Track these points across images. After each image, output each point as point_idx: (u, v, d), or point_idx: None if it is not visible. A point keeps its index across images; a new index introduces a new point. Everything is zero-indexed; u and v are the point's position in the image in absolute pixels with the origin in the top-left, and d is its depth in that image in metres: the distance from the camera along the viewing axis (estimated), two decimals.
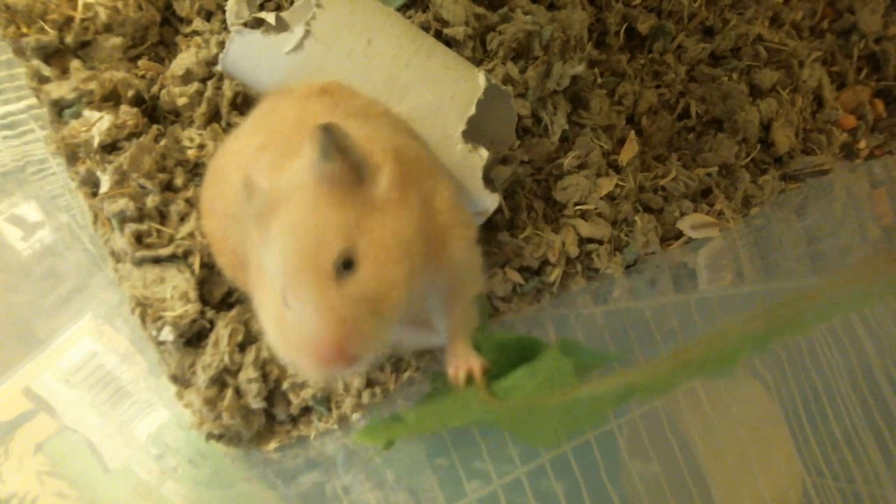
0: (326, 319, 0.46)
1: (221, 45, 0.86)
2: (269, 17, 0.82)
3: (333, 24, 0.73)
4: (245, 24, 0.81)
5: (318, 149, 0.49)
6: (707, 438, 0.84)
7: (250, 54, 0.75)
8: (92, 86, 0.82)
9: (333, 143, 0.49)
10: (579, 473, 0.76)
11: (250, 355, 0.74)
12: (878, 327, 1.00)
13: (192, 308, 0.74)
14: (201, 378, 0.73)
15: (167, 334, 0.73)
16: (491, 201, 0.76)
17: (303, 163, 0.51)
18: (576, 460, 0.76)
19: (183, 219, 0.79)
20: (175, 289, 0.75)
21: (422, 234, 0.52)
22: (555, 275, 0.87)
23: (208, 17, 0.91)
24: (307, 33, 0.72)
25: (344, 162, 0.49)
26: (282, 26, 0.80)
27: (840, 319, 1.01)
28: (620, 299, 0.89)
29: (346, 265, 0.48)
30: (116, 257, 0.79)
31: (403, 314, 0.50)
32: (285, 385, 0.75)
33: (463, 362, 0.58)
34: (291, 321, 0.48)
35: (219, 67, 0.81)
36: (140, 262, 0.76)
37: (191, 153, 0.82)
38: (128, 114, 0.81)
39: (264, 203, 0.50)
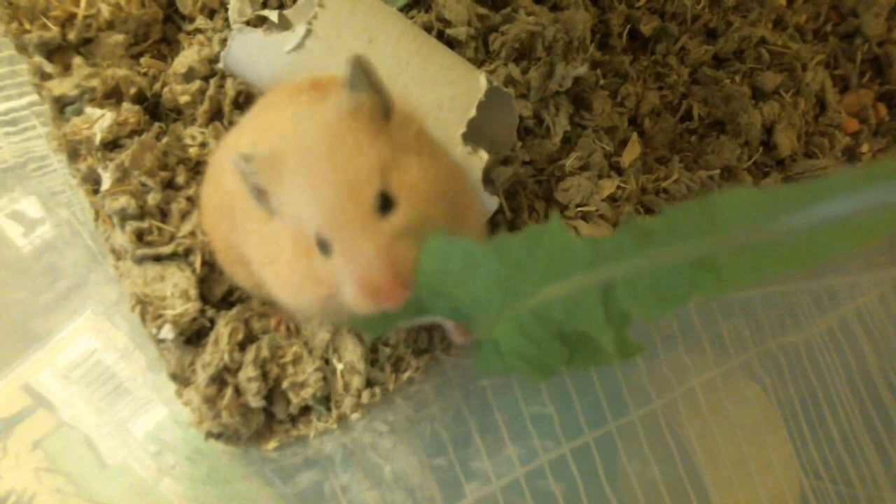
0: (382, 252, 0.45)
1: (224, 42, 0.86)
2: (272, 16, 0.82)
3: (335, 24, 0.73)
4: (247, 23, 0.81)
5: (349, 77, 0.48)
6: (705, 441, 0.85)
7: (252, 52, 0.75)
8: (94, 83, 0.82)
9: (364, 73, 0.48)
10: (578, 475, 0.76)
11: (250, 354, 0.74)
12: (876, 330, 1.00)
13: (193, 306, 0.74)
14: (201, 376, 0.73)
15: (167, 332, 0.73)
16: (491, 203, 0.76)
17: (331, 99, 0.50)
18: (574, 462, 0.76)
19: (184, 217, 0.79)
20: (175, 287, 0.75)
21: (451, 187, 0.51)
22: None
23: (211, 14, 0.90)
24: (309, 32, 0.72)
25: (373, 95, 0.49)
26: (284, 24, 0.80)
27: (838, 321, 1.01)
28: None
29: (386, 202, 0.47)
30: (117, 254, 0.79)
31: None
32: (285, 384, 0.75)
33: None
34: (337, 265, 0.47)
35: (221, 65, 0.81)
36: (141, 260, 0.76)
37: (192, 151, 0.82)
38: (130, 111, 0.81)
39: (266, 160, 0.49)
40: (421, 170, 0.49)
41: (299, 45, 0.72)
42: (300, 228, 0.49)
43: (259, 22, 0.80)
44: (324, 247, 0.48)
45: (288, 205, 0.49)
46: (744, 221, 0.36)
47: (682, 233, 0.38)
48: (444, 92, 0.74)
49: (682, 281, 0.39)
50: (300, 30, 0.72)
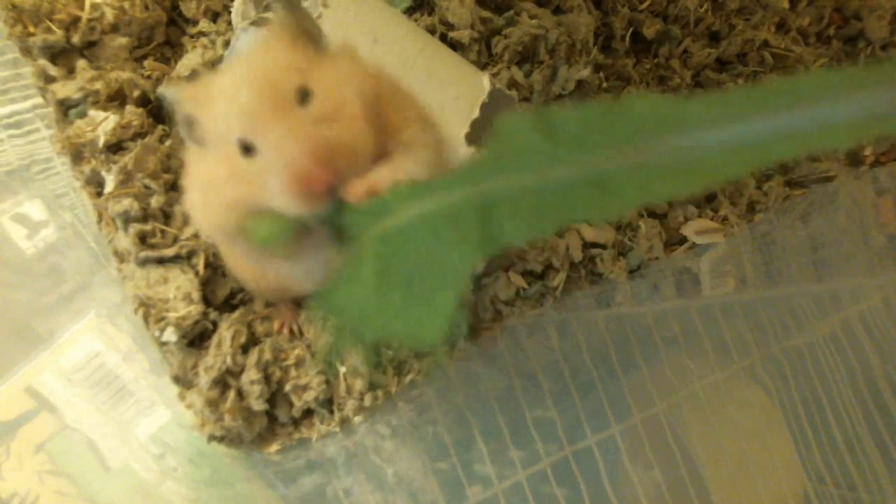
0: (302, 136, 0.46)
1: (227, 45, 0.86)
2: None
3: (339, 24, 0.73)
4: (251, 24, 0.81)
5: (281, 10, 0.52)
6: (708, 444, 0.84)
7: None
8: (98, 86, 0.82)
9: (291, 6, 0.52)
10: (580, 478, 0.76)
11: (253, 357, 0.74)
12: (879, 333, 1.00)
13: (195, 309, 0.74)
14: (203, 379, 0.73)
15: (170, 335, 0.73)
16: None
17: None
18: (577, 465, 0.76)
19: (187, 219, 0.79)
20: (178, 289, 0.75)
21: (373, 101, 0.52)
22: (558, 279, 0.87)
23: (214, 17, 0.91)
24: None
25: (298, 21, 0.51)
26: None
27: (841, 325, 1.01)
28: (623, 304, 0.89)
29: (304, 96, 0.48)
30: (120, 257, 0.79)
31: (367, 154, 0.49)
32: (288, 387, 0.75)
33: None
34: (265, 159, 0.47)
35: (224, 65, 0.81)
36: (144, 263, 0.76)
37: None
38: (133, 114, 0.81)
39: (196, 86, 0.51)
40: (340, 74, 0.51)
41: None
42: (224, 142, 0.49)
43: (262, 24, 0.80)
44: (247, 149, 0.48)
45: (213, 122, 0.50)
46: (648, 132, 0.34)
47: (579, 141, 0.36)
48: (447, 92, 0.74)
49: (567, 199, 0.36)
50: None
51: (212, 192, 0.52)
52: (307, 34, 0.52)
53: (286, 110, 0.47)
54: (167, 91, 0.52)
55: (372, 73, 0.56)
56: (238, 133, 0.48)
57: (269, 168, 0.47)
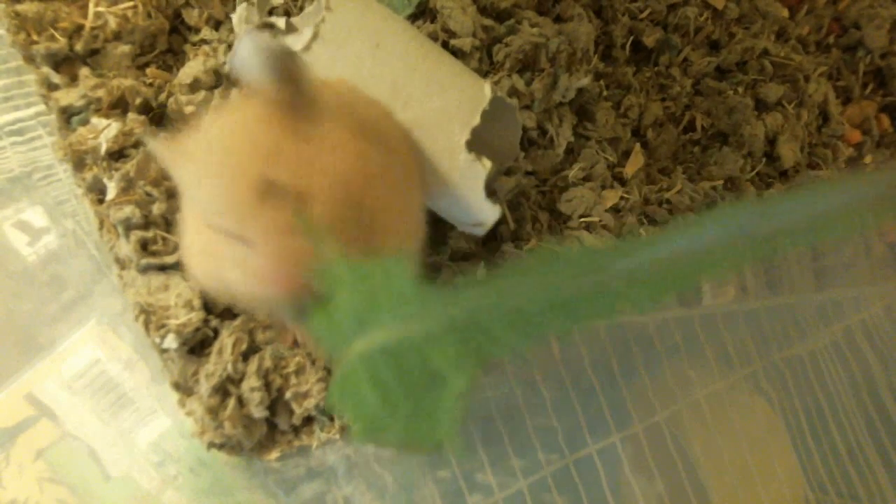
0: (270, 246, 0.45)
1: (229, 49, 0.87)
2: (279, 22, 0.82)
3: (342, 28, 0.74)
4: (254, 29, 0.81)
5: (264, 65, 0.49)
6: (709, 453, 0.84)
7: (258, 55, 0.76)
8: (100, 93, 0.82)
9: (280, 65, 0.48)
10: (581, 487, 0.75)
11: (253, 364, 0.74)
12: (881, 342, 1.00)
13: (196, 316, 0.74)
14: (204, 387, 0.73)
15: (170, 342, 0.73)
16: (492, 213, 0.76)
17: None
18: (578, 474, 0.76)
19: None
20: (179, 296, 0.75)
21: (357, 188, 0.50)
22: None
23: (217, 26, 0.91)
24: (316, 35, 0.72)
25: (290, 92, 0.49)
26: (291, 31, 0.80)
27: (843, 333, 1.01)
28: (623, 313, 0.89)
29: (274, 187, 0.46)
30: (121, 264, 0.79)
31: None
32: (288, 395, 0.75)
33: None
34: (232, 249, 0.47)
35: (226, 69, 0.81)
36: (145, 270, 0.76)
37: None
38: (135, 121, 0.82)
39: (171, 142, 0.50)
40: (323, 163, 0.48)
41: (306, 48, 0.73)
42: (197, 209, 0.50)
43: (265, 28, 0.81)
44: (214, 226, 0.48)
45: (186, 188, 0.50)
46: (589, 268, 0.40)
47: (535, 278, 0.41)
48: (450, 99, 0.74)
49: (538, 318, 0.40)
50: (307, 32, 0.72)
51: (188, 237, 0.52)
52: (302, 107, 0.50)
53: (253, 203, 0.45)
54: (147, 140, 0.51)
55: (362, 140, 0.54)
56: (206, 217, 0.48)
57: (237, 258, 0.46)
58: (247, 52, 0.76)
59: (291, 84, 0.49)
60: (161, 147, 0.50)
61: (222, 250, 0.47)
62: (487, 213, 0.76)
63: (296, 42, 0.73)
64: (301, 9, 0.91)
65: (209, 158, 0.47)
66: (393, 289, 0.41)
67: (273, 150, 0.47)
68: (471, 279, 0.41)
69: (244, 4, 0.88)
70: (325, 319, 0.43)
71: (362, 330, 0.42)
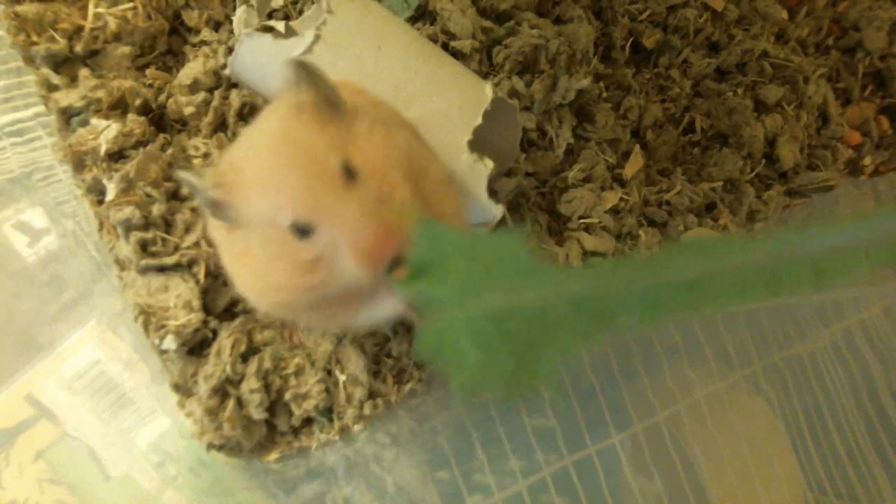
0: (367, 212, 0.47)
1: (229, 53, 0.87)
2: (279, 26, 0.83)
3: (344, 30, 0.74)
4: (255, 30, 0.82)
5: (293, 77, 0.50)
6: (709, 454, 0.84)
7: (259, 58, 0.76)
8: (100, 94, 0.82)
9: (306, 73, 0.50)
10: (580, 488, 0.75)
11: (252, 366, 0.74)
12: (881, 343, 1.00)
13: (196, 317, 0.74)
14: (203, 388, 0.73)
15: (170, 343, 0.73)
16: (495, 211, 0.76)
17: (280, 102, 0.52)
18: (577, 475, 0.76)
19: (188, 228, 0.79)
20: (179, 297, 0.75)
21: (412, 167, 0.53)
22: None
23: (216, 27, 0.91)
24: (317, 38, 0.73)
25: (318, 93, 0.51)
26: (291, 35, 0.81)
27: (842, 334, 1.01)
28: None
29: (350, 173, 0.49)
30: (121, 265, 0.79)
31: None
32: (287, 396, 0.75)
33: None
34: (330, 241, 0.48)
35: (227, 71, 0.81)
36: (144, 271, 0.76)
37: (197, 162, 0.82)
38: (135, 122, 0.82)
39: (222, 172, 0.50)
40: (376, 146, 0.51)
41: (308, 51, 0.73)
42: (271, 226, 0.50)
43: (266, 31, 0.81)
44: (304, 231, 0.48)
45: (255, 207, 0.50)
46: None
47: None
48: (451, 100, 0.74)
49: (673, 298, 0.41)
50: (309, 35, 0.73)
51: (270, 277, 0.53)
52: (332, 105, 0.52)
53: (340, 190, 0.48)
54: (184, 176, 0.51)
55: (401, 127, 0.57)
56: (291, 218, 0.48)
57: (336, 248, 0.48)
58: (248, 55, 0.76)
59: (315, 86, 0.51)
60: (207, 174, 0.50)
61: (320, 253, 0.49)
62: (490, 212, 0.76)
63: (297, 45, 0.73)
64: (300, 12, 0.91)
65: (279, 166, 0.48)
66: (508, 261, 0.43)
67: (340, 140, 0.50)
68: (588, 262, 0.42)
69: (244, 7, 0.88)
70: (423, 283, 0.45)
71: (468, 295, 0.44)
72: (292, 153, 0.49)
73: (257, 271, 0.54)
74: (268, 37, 0.74)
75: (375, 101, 0.69)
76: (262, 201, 0.49)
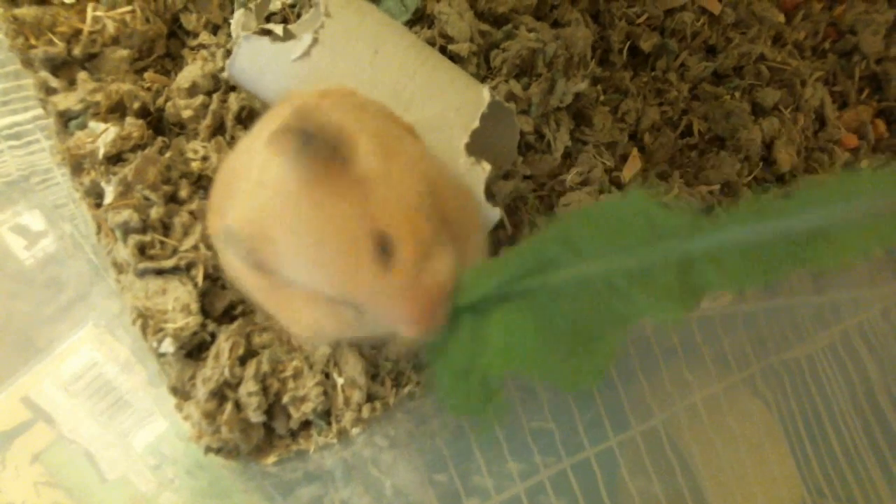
0: (408, 294, 0.47)
1: (228, 56, 0.87)
2: (277, 29, 0.83)
3: (341, 33, 0.74)
4: (253, 34, 0.82)
5: (286, 149, 0.46)
6: (707, 456, 0.84)
7: (257, 61, 0.76)
8: (98, 97, 0.82)
9: (300, 137, 0.46)
10: (578, 491, 0.75)
11: (251, 369, 0.74)
12: (878, 345, 1.00)
13: (194, 320, 0.74)
14: (201, 391, 0.72)
15: (168, 346, 0.73)
16: (493, 214, 0.76)
17: (276, 169, 0.48)
18: (575, 477, 0.76)
19: (186, 231, 0.79)
20: (177, 301, 0.75)
21: (434, 195, 0.51)
22: None
23: (215, 30, 0.91)
24: (315, 41, 0.73)
25: (316, 150, 0.46)
26: (289, 38, 0.81)
27: (840, 336, 1.01)
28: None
29: (384, 247, 0.46)
30: (119, 268, 0.79)
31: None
32: (285, 399, 0.75)
33: None
34: (371, 319, 0.48)
35: (225, 75, 0.81)
36: (143, 274, 0.76)
37: (195, 165, 0.83)
38: (133, 125, 0.82)
39: (256, 238, 0.48)
40: (398, 198, 0.48)
41: (305, 54, 0.73)
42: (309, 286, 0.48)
43: (264, 34, 0.81)
44: (349, 304, 0.48)
45: (295, 276, 0.48)
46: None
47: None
48: (449, 103, 0.74)
49: (779, 255, 0.39)
50: (307, 39, 0.73)
51: (317, 327, 0.52)
52: (331, 152, 0.47)
53: (377, 269, 0.46)
54: (228, 240, 0.49)
55: (409, 144, 0.55)
56: (330, 292, 0.47)
57: (382, 324, 0.48)
58: (245, 58, 0.76)
59: (319, 143, 0.47)
60: (244, 245, 0.48)
61: (346, 315, 0.49)
62: (489, 215, 0.76)
63: (295, 48, 0.73)
64: (298, 15, 0.91)
65: (308, 251, 0.46)
66: (636, 218, 0.43)
67: (361, 209, 0.46)
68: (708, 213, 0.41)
69: (242, 10, 0.88)
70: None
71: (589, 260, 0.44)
72: (320, 227, 0.46)
73: (303, 322, 0.53)
74: (265, 40, 0.75)
75: (377, 112, 0.65)
76: (302, 276, 0.47)
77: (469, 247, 0.55)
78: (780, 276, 0.40)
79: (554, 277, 0.45)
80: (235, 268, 0.57)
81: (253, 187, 0.51)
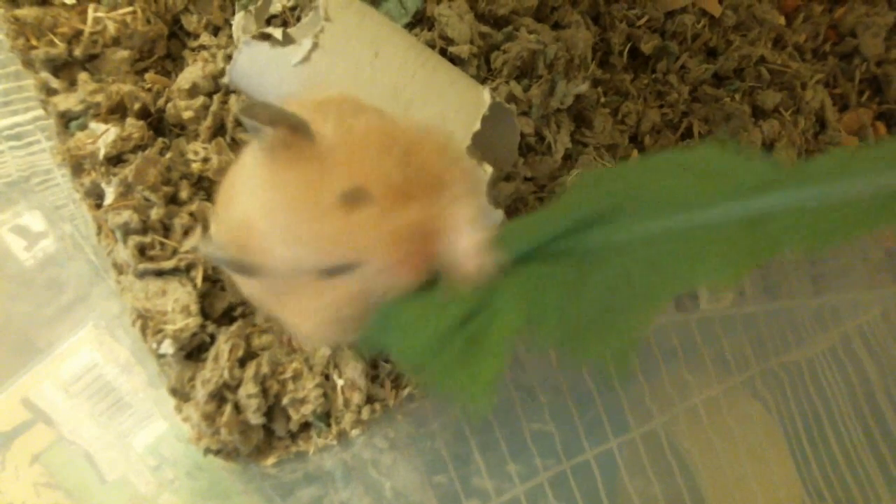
0: (386, 230, 0.47)
1: (228, 58, 0.87)
2: (276, 33, 0.83)
3: (342, 37, 0.74)
4: (253, 38, 0.82)
5: (249, 128, 0.48)
6: (706, 458, 0.84)
7: (258, 66, 0.76)
8: (99, 98, 0.82)
9: (257, 115, 0.47)
10: (578, 493, 0.75)
11: (250, 370, 0.74)
12: (878, 347, 1.00)
13: (193, 321, 0.74)
14: (200, 392, 0.72)
15: (167, 347, 0.73)
16: (495, 216, 0.76)
17: (250, 150, 0.50)
18: (575, 480, 0.76)
19: (186, 232, 0.79)
20: (176, 302, 0.75)
21: (403, 158, 0.51)
22: None
23: (215, 31, 0.91)
24: (315, 45, 0.73)
25: (277, 130, 0.48)
26: (288, 42, 0.81)
27: (840, 339, 1.01)
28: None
29: (353, 198, 0.47)
30: (119, 269, 0.79)
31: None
32: (285, 401, 0.75)
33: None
34: (365, 272, 0.48)
35: (226, 80, 0.81)
36: (142, 275, 0.76)
37: (195, 166, 0.83)
38: (134, 126, 0.82)
39: (231, 236, 0.49)
40: (363, 153, 0.49)
41: (306, 58, 0.73)
42: (301, 273, 0.49)
43: (263, 39, 0.81)
44: (335, 271, 0.48)
45: (277, 261, 0.48)
46: None
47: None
48: (449, 105, 0.74)
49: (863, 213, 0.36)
50: (307, 43, 0.73)
51: (316, 317, 0.51)
52: (303, 134, 0.49)
53: (352, 221, 0.46)
54: (210, 252, 0.50)
55: (388, 125, 0.55)
56: (317, 267, 0.47)
57: (378, 273, 0.48)
58: (246, 63, 0.76)
59: (279, 121, 0.48)
60: (227, 250, 0.49)
61: (344, 289, 0.48)
62: (490, 217, 0.76)
63: (295, 52, 0.73)
64: (299, 18, 0.91)
65: (272, 217, 0.47)
66: (723, 168, 0.40)
67: (324, 170, 0.48)
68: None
69: (242, 13, 0.88)
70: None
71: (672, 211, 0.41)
72: (289, 200, 0.47)
73: (301, 314, 0.52)
74: (265, 45, 0.75)
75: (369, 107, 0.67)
76: (283, 255, 0.48)
77: (454, 194, 0.54)
78: (861, 234, 0.37)
79: (599, 236, 0.43)
80: (238, 282, 0.58)
81: (230, 195, 0.53)
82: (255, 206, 0.49)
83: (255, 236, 0.48)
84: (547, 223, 0.46)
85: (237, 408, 0.73)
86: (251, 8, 0.88)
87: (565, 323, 0.44)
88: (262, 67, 0.76)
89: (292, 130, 0.48)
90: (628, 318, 0.44)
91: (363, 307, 0.50)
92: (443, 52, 0.89)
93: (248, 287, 0.56)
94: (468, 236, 0.51)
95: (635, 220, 0.42)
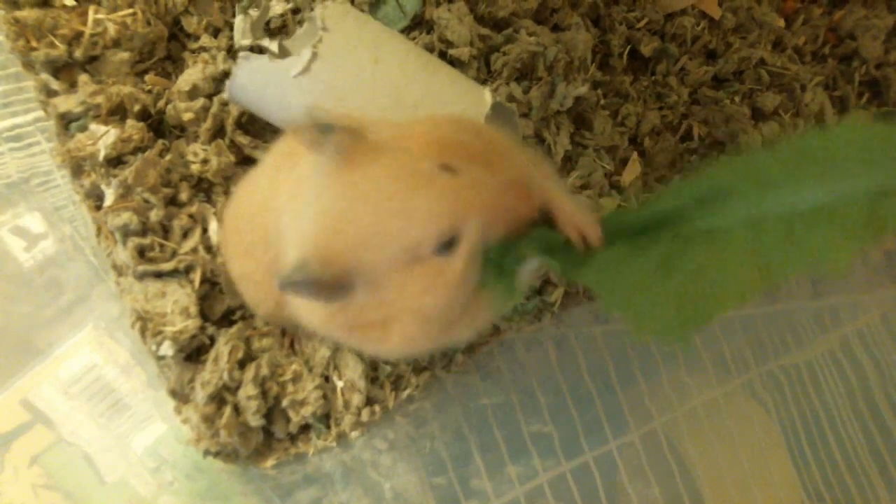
0: (487, 178, 0.48)
1: (229, 59, 0.87)
2: (272, 46, 0.83)
3: (340, 46, 0.74)
4: (250, 50, 0.82)
5: (312, 142, 0.48)
6: (706, 460, 0.84)
7: (258, 80, 0.76)
8: (99, 100, 0.82)
9: (316, 127, 0.48)
10: (577, 495, 0.75)
11: (250, 372, 0.74)
12: (877, 350, 1.00)
13: (193, 323, 0.74)
14: (200, 394, 0.72)
15: (167, 349, 0.73)
16: None
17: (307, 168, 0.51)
18: (574, 481, 0.76)
19: (186, 234, 0.79)
20: (176, 303, 0.75)
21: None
22: (556, 295, 0.87)
23: (216, 33, 0.91)
24: (314, 56, 0.73)
25: (338, 132, 0.48)
26: (284, 54, 0.81)
27: (840, 341, 1.01)
28: (621, 319, 0.89)
29: (448, 168, 0.47)
30: (118, 270, 0.79)
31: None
32: (284, 402, 0.75)
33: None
34: (469, 234, 0.47)
35: (225, 95, 0.81)
36: (142, 276, 0.76)
37: (195, 168, 0.83)
38: (134, 128, 0.82)
39: (319, 254, 0.48)
40: (430, 132, 0.52)
41: (305, 70, 0.73)
42: (409, 262, 0.47)
43: (261, 53, 0.81)
44: (449, 243, 0.47)
45: (382, 255, 0.47)
46: None
47: None
48: (451, 106, 0.74)
49: None
50: (306, 54, 0.73)
51: (430, 315, 0.50)
52: (357, 137, 0.49)
53: (457, 183, 0.47)
54: (292, 285, 0.46)
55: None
56: (435, 234, 0.46)
57: (484, 236, 0.47)
58: (245, 78, 0.76)
59: (335, 129, 0.48)
60: (319, 269, 0.47)
61: (453, 267, 0.47)
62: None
63: (295, 64, 0.73)
64: (300, 22, 0.91)
65: (375, 203, 0.46)
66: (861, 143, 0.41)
67: (407, 155, 0.49)
68: None
69: (242, 16, 0.88)
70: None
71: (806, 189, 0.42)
72: (386, 183, 0.47)
73: (411, 310, 0.50)
74: (264, 59, 0.74)
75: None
76: (393, 243, 0.47)
77: (513, 161, 0.54)
78: None
79: (697, 219, 0.44)
80: (309, 310, 0.55)
81: (294, 214, 0.52)
82: (341, 211, 0.47)
83: (348, 242, 0.47)
84: (646, 207, 0.48)
85: (237, 409, 0.73)
86: (251, 12, 0.88)
87: (642, 295, 0.46)
88: (261, 81, 0.75)
89: (351, 136, 0.48)
90: (710, 301, 0.44)
91: (469, 290, 0.49)
92: (442, 55, 0.89)
93: (322, 318, 0.53)
94: (574, 201, 0.52)
95: (739, 203, 0.44)
